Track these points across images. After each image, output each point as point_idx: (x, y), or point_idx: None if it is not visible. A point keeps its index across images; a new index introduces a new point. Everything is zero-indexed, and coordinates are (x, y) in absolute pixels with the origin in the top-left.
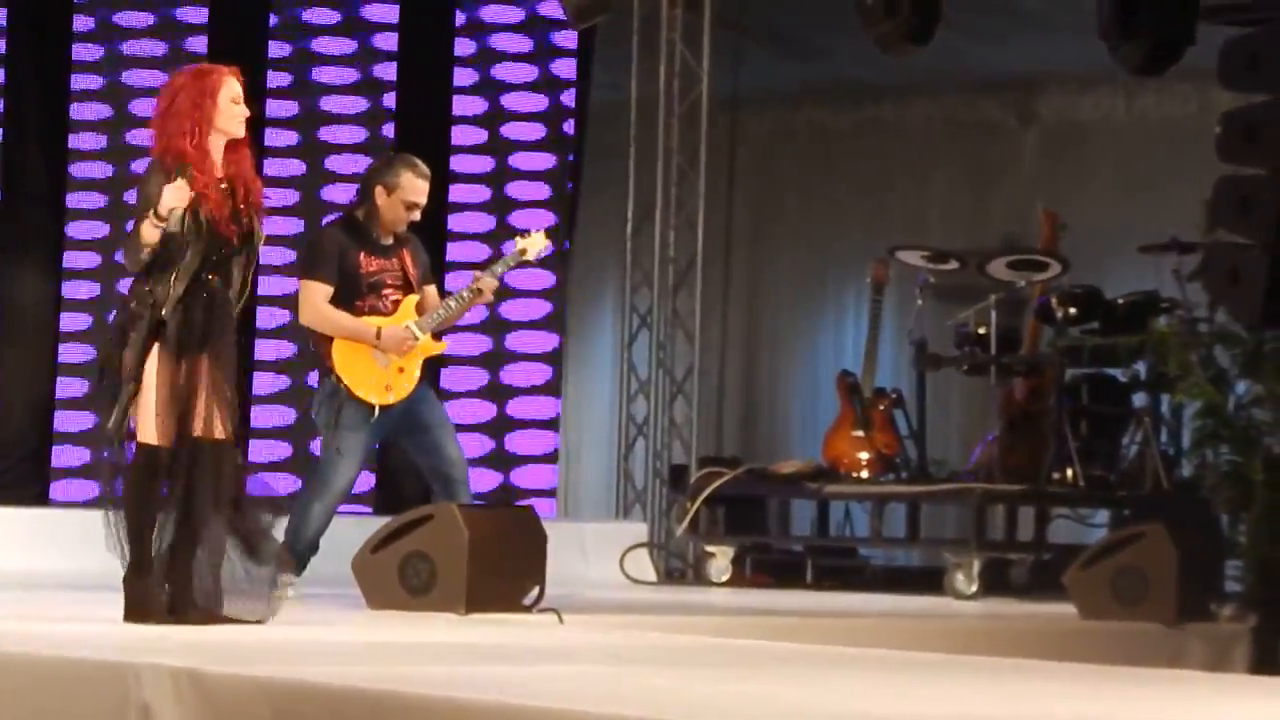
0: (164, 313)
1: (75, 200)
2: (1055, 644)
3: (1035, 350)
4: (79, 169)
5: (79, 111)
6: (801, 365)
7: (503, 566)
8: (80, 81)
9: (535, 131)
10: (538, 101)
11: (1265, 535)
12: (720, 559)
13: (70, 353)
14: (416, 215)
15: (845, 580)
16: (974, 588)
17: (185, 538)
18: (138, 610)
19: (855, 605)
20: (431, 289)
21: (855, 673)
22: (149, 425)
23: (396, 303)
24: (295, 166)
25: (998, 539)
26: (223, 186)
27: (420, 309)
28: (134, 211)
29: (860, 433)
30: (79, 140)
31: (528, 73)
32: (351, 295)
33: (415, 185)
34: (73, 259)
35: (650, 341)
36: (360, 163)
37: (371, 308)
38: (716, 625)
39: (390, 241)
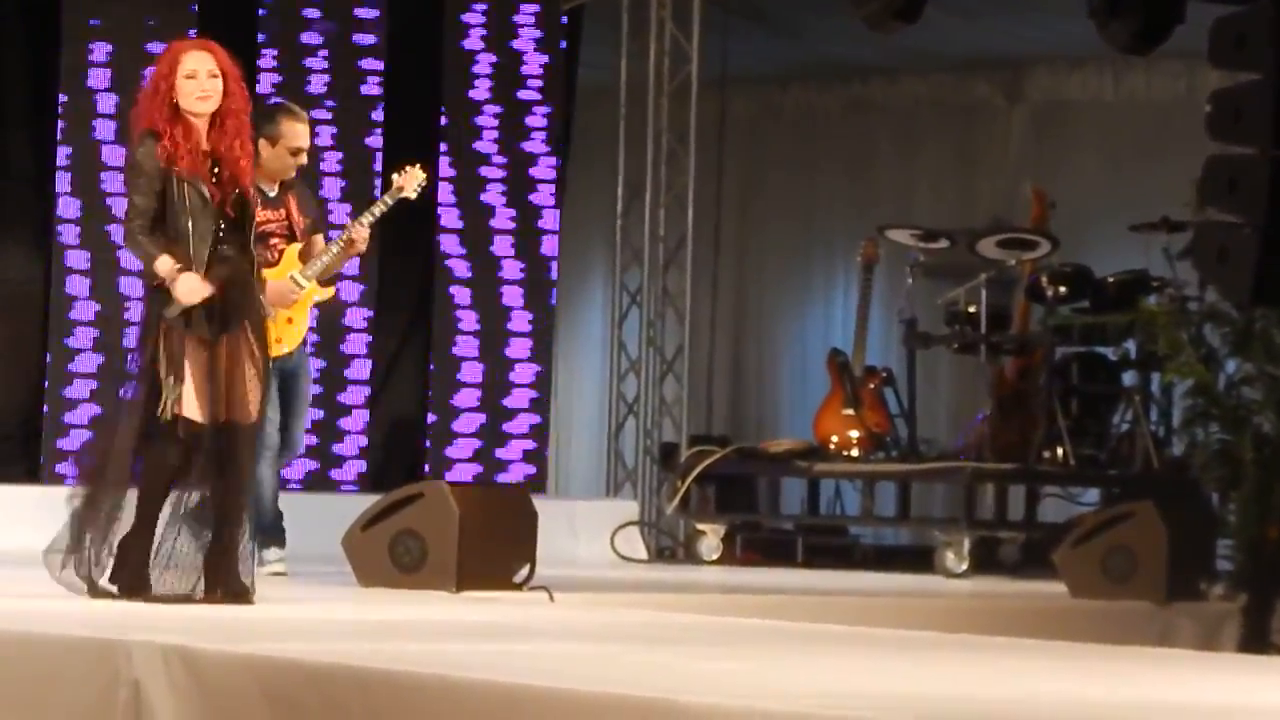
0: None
1: (63, 180)
2: (1045, 622)
3: (1025, 329)
4: (66, 149)
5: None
6: (791, 344)
7: (493, 544)
8: (69, 61)
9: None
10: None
11: (1255, 514)
12: (711, 537)
13: (60, 332)
14: (303, 159)
15: (835, 558)
16: (964, 566)
17: (223, 521)
18: (129, 588)
19: (845, 583)
20: (318, 238)
21: (845, 651)
22: (190, 401)
23: (282, 252)
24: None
25: (988, 517)
26: (209, 161)
27: (304, 257)
28: (130, 178)
29: (850, 411)
30: (66, 120)
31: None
32: None
33: (296, 130)
34: (63, 237)
35: (640, 320)
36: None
37: (261, 258)
38: (707, 603)
39: (275, 192)
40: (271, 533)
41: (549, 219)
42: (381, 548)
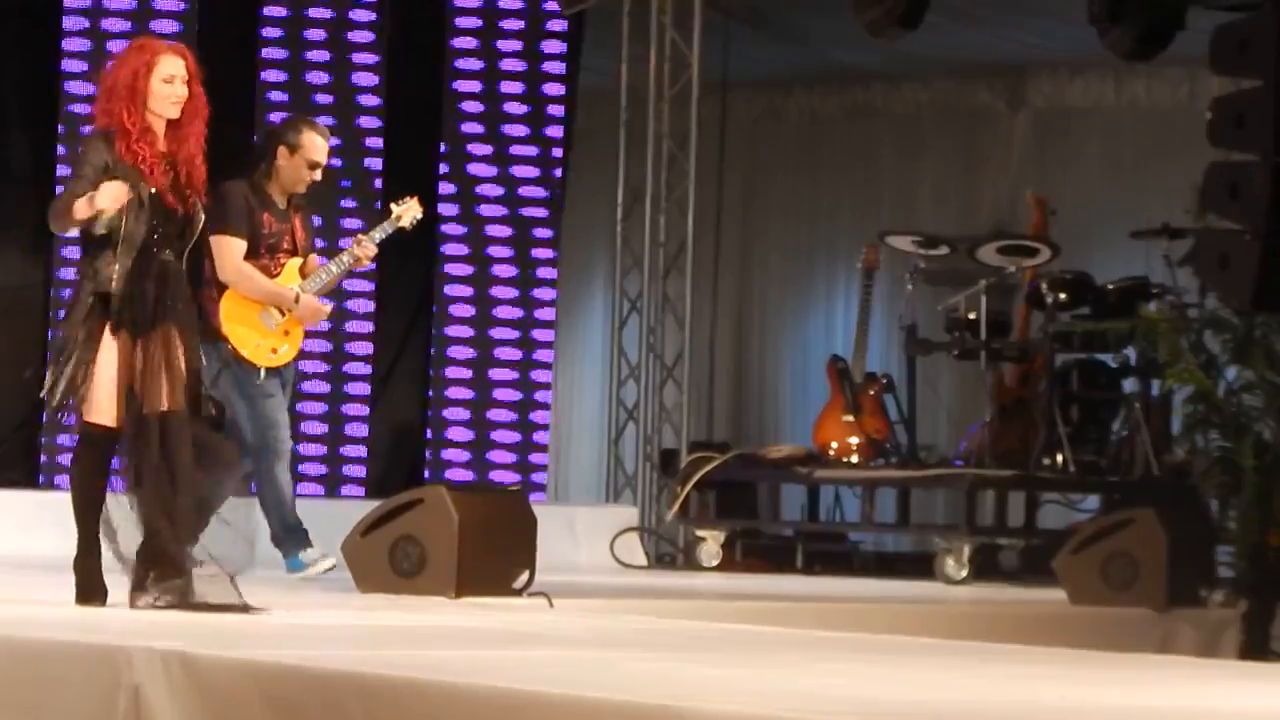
0: (113, 288)
1: (62, 184)
2: (1045, 629)
3: (1025, 335)
4: (65, 151)
5: (67, 91)
6: (792, 350)
7: (493, 550)
8: (69, 64)
9: (526, 114)
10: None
11: (1255, 521)
12: (710, 543)
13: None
14: (318, 175)
15: (835, 565)
16: (964, 573)
17: (162, 519)
18: (85, 594)
19: (845, 590)
20: (314, 258)
21: (845, 657)
22: (100, 405)
23: (284, 266)
24: None
25: (988, 524)
26: (165, 163)
27: (303, 273)
28: (73, 172)
29: (850, 418)
30: (65, 124)
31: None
32: (249, 254)
33: (317, 144)
34: (61, 240)
35: (640, 326)
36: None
37: (264, 268)
38: (706, 609)
39: (285, 205)
40: (299, 535)
41: (548, 225)
42: (381, 553)
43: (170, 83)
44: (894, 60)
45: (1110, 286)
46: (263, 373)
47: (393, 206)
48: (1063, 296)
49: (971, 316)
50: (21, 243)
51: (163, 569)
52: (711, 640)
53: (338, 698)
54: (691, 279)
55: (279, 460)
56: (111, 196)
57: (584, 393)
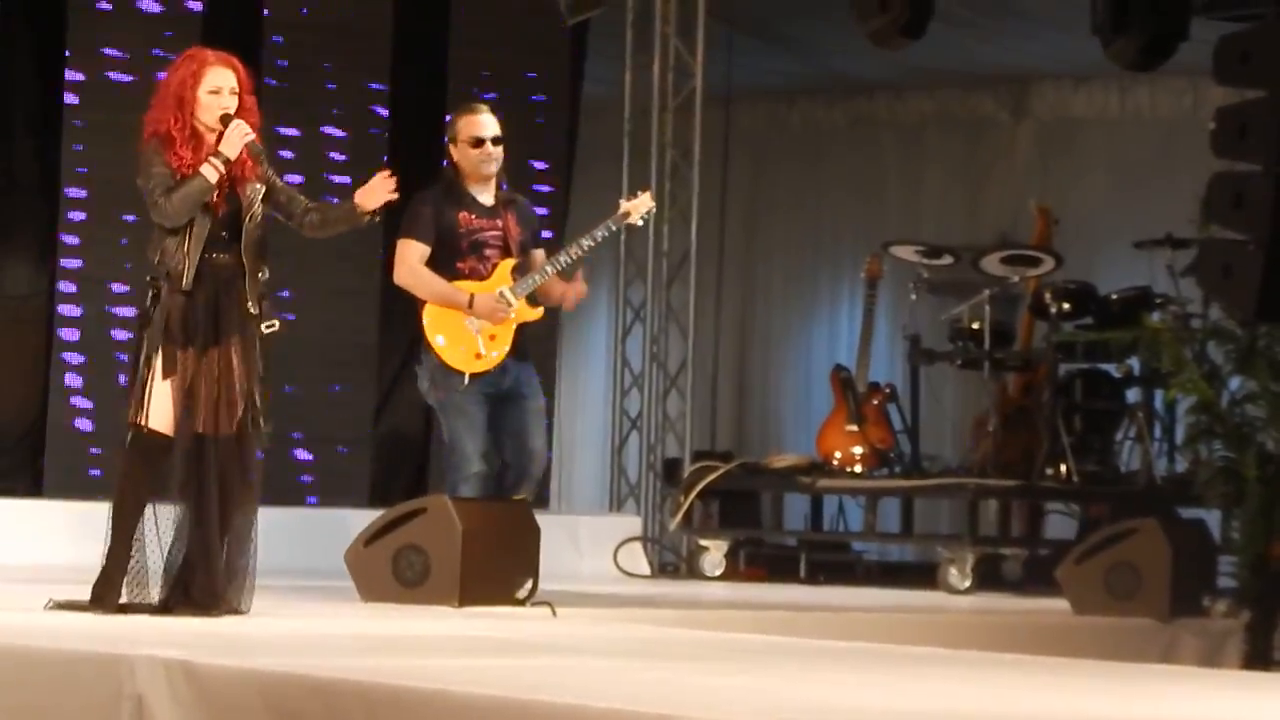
0: (184, 284)
1: (69, 194)
2: (1048, 639)
3: (1029, 345)
4: (73, 162)
5: (73, 99)
6: (795, 359)
7: (496, 559)
8: (73, 73)
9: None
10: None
11: (1258, 531)
12: (714, 553)
13: (65, 347)
14: (490, 149)
15: (839, 574)
16: (967, 582)
17: (200, 536)
18: (99, 597)
19: (849, 599)
20: (539, 253)
21: (848, 667)
22: (156, 411)
23: (496, 265)
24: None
25: (991, 534)
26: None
27: (518, 273)
28: (152, 187)
29: (854, 427)
30: (73, 128)
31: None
32: (452, 255)
33: (471, 121)
34: (68, 249)
35: (644, 335)
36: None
37: (472, 269)
38: (710, 619)
39: (492, 203)
40: None
41: (552, 233)
42: (384, 563)
43: (217, 94)
44: (898, 70)
45: (1113, 296)
46: (465, 379)
47: (621, 202)
48: (1066, 306)
49: (975, 326)
50: (27, 251)
51: (199, 592)
52: (714, 649)
53: (341, 707)
54: (695, 288)
55: (463, 484)
56: (240, 134)
57: (587, 402)
